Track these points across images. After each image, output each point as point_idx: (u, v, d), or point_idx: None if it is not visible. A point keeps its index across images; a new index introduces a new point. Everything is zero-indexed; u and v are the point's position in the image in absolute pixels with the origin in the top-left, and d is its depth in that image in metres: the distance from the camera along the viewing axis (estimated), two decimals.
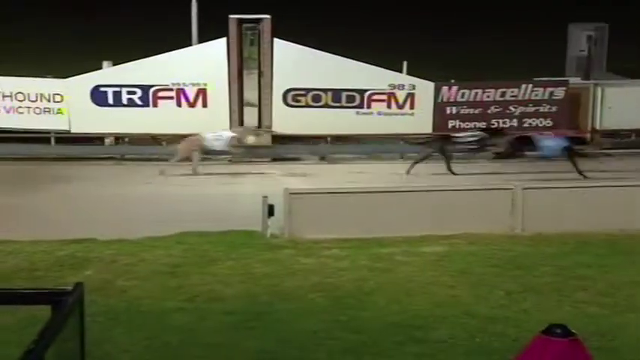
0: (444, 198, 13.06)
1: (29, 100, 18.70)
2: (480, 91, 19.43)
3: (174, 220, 13.18)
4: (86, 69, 19.06)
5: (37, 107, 18.71)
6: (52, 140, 19.06)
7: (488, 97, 19.44)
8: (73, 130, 18.85)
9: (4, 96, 18.66)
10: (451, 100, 19.34)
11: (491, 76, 21.36)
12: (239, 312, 9.44)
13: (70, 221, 13.19)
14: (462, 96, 19.36)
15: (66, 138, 19.02)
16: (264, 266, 11.15)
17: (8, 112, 18.70)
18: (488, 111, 19.44)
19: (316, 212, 12.54)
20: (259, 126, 19.16)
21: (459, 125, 19.40)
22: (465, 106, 19.37)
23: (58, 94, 18.68)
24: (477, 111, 19.40)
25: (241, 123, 19.05)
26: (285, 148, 19.32)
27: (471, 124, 19.40)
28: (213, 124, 18.72)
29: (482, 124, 18.99)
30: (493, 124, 19.14)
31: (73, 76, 18.79)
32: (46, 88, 18.76)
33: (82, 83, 18.76)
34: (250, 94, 19.15)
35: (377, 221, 12.51)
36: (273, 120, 18.97)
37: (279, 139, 19.22)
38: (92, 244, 11.92)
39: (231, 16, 18.85)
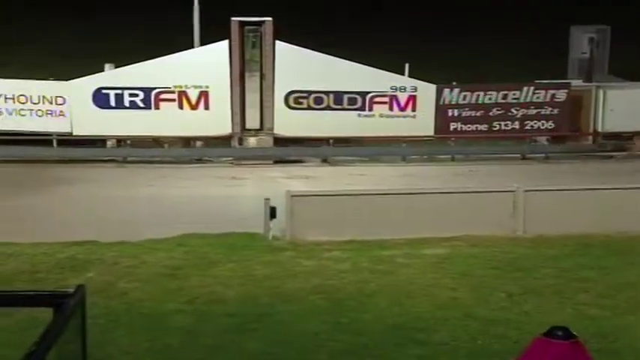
0: (445, 200, 13.07)
1: (31, 103, 18.73)
2: (481, 93, 19.42)
3: (175, 222, 13.19)
4: (89, 71, 19.08)
5: (40, 109, 18.74)
6: (54, 142, 19.07)
7: (490, 99, 19.44)
8: (75, 133, 18.85)
9: (6, 98, 18.69)
10: (453, 102, 19.35)
11: (493, 78, 21.34)
12: (240, 314, 9.45)
13: (72, 223, 13.21)
14: (464, 98, 19.37)
15: (68, 140, 19.03)
16: (265, 268, 11.16)
17: (10, 114, 18.74)
18: (490, 113, 19.45)
19: (318, 214, 12.55)
20: (261, 128, 19.19)
21: (461, 128, 19.41)
22: (466, 109, 19.37)
23: (60, 97, 18.72)
24: (478, 113, 19.41)
25: (243, 125, 19.09)
26: (288, 150, 19.32)
27: (473, 127, 19.44)
28: (214, 126, 18.77)
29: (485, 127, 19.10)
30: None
31: (76, 78, 18.82)
32: (48, 91, 18.79)
33: (84, 86, 18.77)
34: (252, 96, 19.16)
35: (378, 223, 12.52)
36: (274, 122, 18.99)
37: (281, 142, 19.23)
38: (94, 247, 11.94)
39: (233, 18, 18.87)
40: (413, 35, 30.34)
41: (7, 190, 15.59)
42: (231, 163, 18.80)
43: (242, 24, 18.97)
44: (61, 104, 18.73)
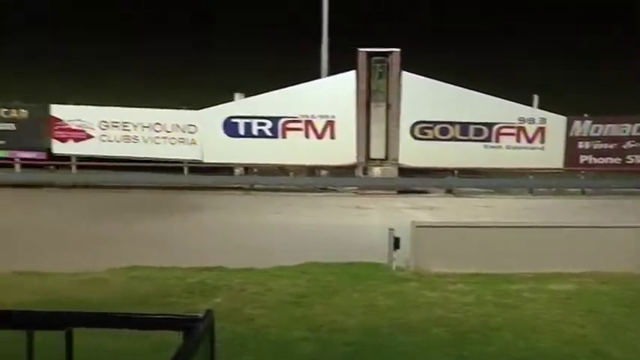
0: (574, 235, 12.71)
1: (165, 131, 19.48)
2: (614, 125, 18.90)
3: (300, 250, 13.36)
4: (218, 100, 19.67)
5: (173, 137, 19.46)
6: (185, 170, 19.72)
7: (624, 131, 18.89)
8: (205, 160, 19.46)
9: (143, 127, 19.51)
10: (584, 134, 18.89)
11: (630, 108, 20.65)
12: (361, 343, 9.46)
13: (202, 249, 13.58)
14: (596, 130, 18.88)
15: (198, 167, 19.64)
16: (388, 299, 11.14)
17: (146, 142, 19.53)
18: (624, 146, 18.87)
19: (442, 246, 12.44)
20: (386, 158, 19.26)
21: (592, 160, 18.91)
22: (598, 141, 18.87)
23: (192, 125, 19.39)
24: (611, 146, 18.87)
25: (368, 155, 19.22)
26: (412, 180, 19.31)
27: (605, 160, 18.91)
28: (339, 155, 18.97)
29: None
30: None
31: (206, 107, 19.44)
32: (181, 119, 19.49)
33: (215, 115, 19.38)
34: (377, 126, 19.28)
35: (504, 257, 12.29)
36: (400, 152, 19.02)
37: (406, 172, 19.23)
38: (222, 272, 12.22)
39: (361, 49, 19.09)
40: (545, 64, 29.70)
41: (142, 215, 16.22)
42: (355, 193, 18.92)
43: (369, 54, 19.17)
44: (192, 132, 19.40)
